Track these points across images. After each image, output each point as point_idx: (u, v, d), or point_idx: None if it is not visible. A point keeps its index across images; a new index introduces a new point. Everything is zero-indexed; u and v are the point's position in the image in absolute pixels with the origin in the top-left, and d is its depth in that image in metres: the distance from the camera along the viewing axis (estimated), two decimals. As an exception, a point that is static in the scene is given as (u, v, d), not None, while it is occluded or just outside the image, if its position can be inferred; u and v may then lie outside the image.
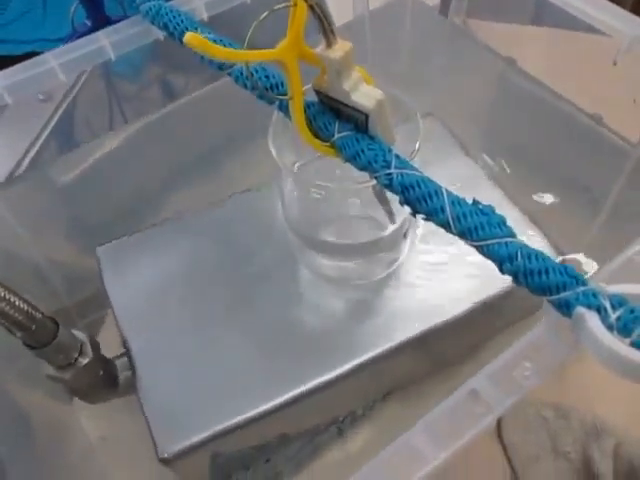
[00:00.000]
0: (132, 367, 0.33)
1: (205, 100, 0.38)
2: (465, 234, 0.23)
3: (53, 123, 0.46)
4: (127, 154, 0.37)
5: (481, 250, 0.23)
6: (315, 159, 0.32)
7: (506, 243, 0.23)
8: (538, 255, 0.22)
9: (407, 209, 0.25)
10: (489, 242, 0.23)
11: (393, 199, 0.29)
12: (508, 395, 0.21)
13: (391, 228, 0.30)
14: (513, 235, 0.23)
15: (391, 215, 0.30)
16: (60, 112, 0.47)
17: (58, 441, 0.36)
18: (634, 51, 0.32)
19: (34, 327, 0.29)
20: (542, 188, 0.39)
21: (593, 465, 0.40)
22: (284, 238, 0.35)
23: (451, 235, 0.36)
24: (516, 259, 0.22)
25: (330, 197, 0.30)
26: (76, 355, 0.31)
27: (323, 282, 0.34)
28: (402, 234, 0.32)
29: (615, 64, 0.33)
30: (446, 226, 0.24)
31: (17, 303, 0.27)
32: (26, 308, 0.28)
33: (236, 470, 0.35)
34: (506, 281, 0.33)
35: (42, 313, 0.29)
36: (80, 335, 0.32)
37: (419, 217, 0.25)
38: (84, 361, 0.31)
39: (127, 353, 0.33)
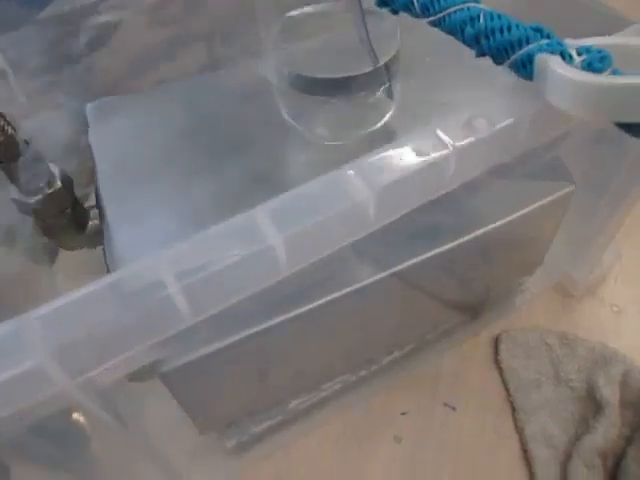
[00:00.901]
0: (101, 213, 0.32)
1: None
2: (428, 7, 0.22)
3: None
4: (124, 24, 0.37)
5: (444, 24, 0.22)
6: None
7: (468, 7, 0.21)
8: (501, 15, 0.21)
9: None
10: (451, 10, 0.21)
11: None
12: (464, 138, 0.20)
13: (372, 67, 0.29)
14: (477, 2, 0.21)
15: (373, 55, 0.29)
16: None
17: (32, 299, 0.35)
18: None
19: (2, 138, 0.28)
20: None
21: (597, 391, 0.36)
22: (269, 101, 0.34)
23: (438, 96, 0.35)
24: (478, 20, 0.21)
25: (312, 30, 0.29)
26: (43, 183, 0.31)
27: (307, 141, 0.33)
28: (385, 80, 0.31)
29: None
30: (410, 5, 0.23)
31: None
32: (-3, 119, 0.28)
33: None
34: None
35: (15, 130, 0.29)
36: (53, 167, 0.31)
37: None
38: (50, 190, 0.31)
39: (98, 201, 0.33)
